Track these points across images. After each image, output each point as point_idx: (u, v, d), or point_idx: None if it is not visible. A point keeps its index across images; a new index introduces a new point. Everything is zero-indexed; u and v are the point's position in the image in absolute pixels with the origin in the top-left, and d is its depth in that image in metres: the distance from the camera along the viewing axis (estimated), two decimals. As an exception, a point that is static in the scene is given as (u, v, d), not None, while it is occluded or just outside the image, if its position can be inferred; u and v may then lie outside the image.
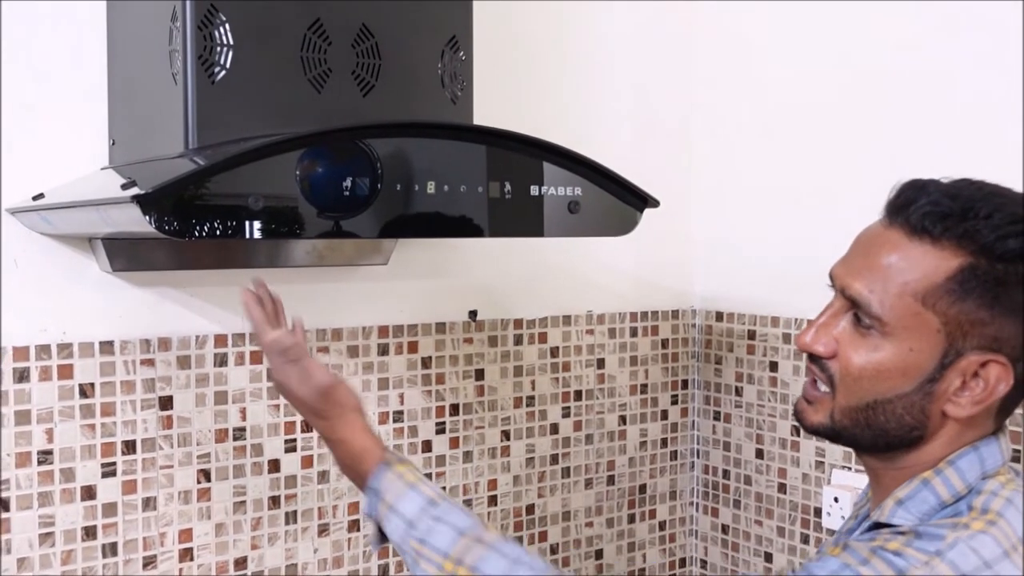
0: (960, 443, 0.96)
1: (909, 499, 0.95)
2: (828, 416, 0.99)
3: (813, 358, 1.00)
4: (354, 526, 1.53)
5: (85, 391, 1.31)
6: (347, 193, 1.05)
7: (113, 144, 1.29)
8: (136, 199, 0.94)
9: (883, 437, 0.97)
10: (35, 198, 1.23)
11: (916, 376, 0.94)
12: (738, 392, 1.83)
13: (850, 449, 1.13)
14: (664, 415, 1.88)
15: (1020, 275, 0.91)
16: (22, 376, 1.27)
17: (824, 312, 1.00)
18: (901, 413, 0.95)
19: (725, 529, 1.86)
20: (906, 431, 0.96)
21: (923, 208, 0.93)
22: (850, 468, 1.63)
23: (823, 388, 0.99)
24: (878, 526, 0.96)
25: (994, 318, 0.91)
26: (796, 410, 1.04)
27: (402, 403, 1.57)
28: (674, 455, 1.90)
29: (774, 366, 1.76)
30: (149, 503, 1.36)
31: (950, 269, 0.91)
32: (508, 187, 1.15)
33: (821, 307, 1.02)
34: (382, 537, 1.08)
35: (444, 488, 1.61)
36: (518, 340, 1.68)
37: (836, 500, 1.64)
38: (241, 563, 1.44)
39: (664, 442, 1.88)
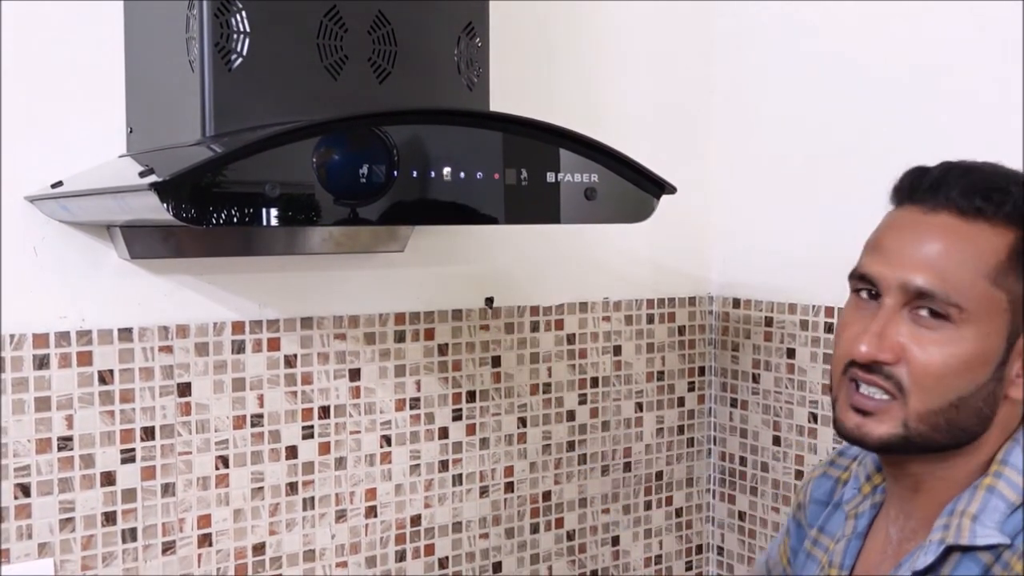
0: (1008, 432, 0.93)
1: (983, 512, 0.89)
2: (901, 425, 0.91)
3: (868, 367, 0.92)
4: (371, 512, 1.54)
5: (104, 378, 1.32)
6: (363, 180, 1.05)
7: (131, 132, 1.29)
8: (154, 186, 0.94)
9: (961, 435, 0.92)
10: (54, 186, 1.23)
11: (993, 362, 0.90)
12: (755, 379, 1.83)
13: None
14: (681, 402, 1.88)
15: None
16: (42, 363, 1.28)
17: (874, 316, 0.93)
18: (980, 406, 0.91)
19: (742, 516, 1.86)
20: (982, 424, 0.92)
21: (964, 188, 0.91)
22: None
23: (880, 396, 0.92)
24: (953, 549, 0.90)
25: None
26: (847, 426, 0.95)
27: (419, 390, 1.57)
28: (691, 442, 1.89)
29: (791, 353, 1.76)
30: (168, 489, 1.37)
31: (1008, 245, 0.90)
32: (524, 174, 1.15)
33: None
34: None
35: (460, 475, 1.62)
36: (535, 327, 1.68)
37: (854, 487, 1.64)
38: (259, 549, 1.45)
39: (681, 429, 1.88)
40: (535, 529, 1.71)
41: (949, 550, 0.90)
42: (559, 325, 1.72)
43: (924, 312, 0.90)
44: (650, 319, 1.83)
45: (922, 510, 0.97)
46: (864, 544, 1.03)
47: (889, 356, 0.91)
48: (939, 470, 0.95)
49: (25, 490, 1.28)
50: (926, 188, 0.93)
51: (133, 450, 1.34)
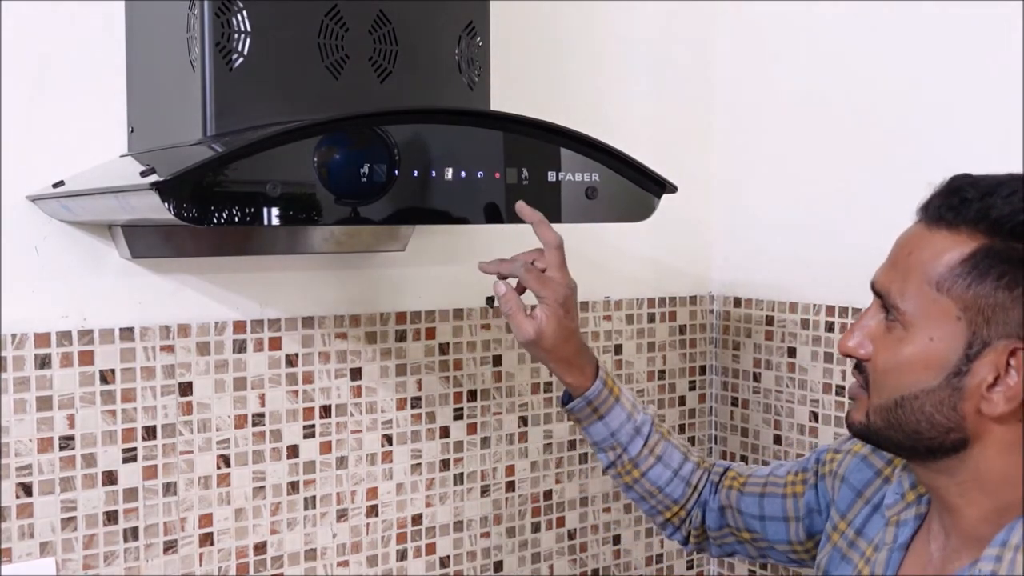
0: (1012, 452, 0.92)
1: None
2: (864, 415, 0.98)
3: (857, 362, 0.99)
4: (372, 511, 1.54)
5: (106, 377, 1.32)
6: (364, 180, 1.05)
7: (132, 131, 1.29)
8: (155, 186, 0.94)
9: (919, 440, 0.93)
10: (55, 185, 1.23)
11: (940, 368, 0.91)
12: (756, 378, 1.83)
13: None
14: (682, 401, 1.88)
15: None
16: (43, 362, 1.28)
17: (861, 315, 0.99)
18: (931, 411, 0.92)
19: (743, 515, 1.86)
20: (941, 432, 0.92)
21: (940, 199, 0.93)
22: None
23: (858, 387, 1.00)
24: None
25: (1016, 301, 0.88)
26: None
27: (420, 389, 1.57)
28: (692, 441, 1.89)
29: (792, 352, 1.76)
30: (169, 488, 1.37)
31: (964, 252, 0.90)
32: (525, 173, 1.15)
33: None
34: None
35: (461, 474, 1.62)
36: (535, 326, 1.68)
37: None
38: (260, 548, 1.45)
39: (682, 428, 1.88)
40: (536, 528, 1.71)
41: None
42: (560, 324, 1.71)
43: (887, 314, 0.96)
44: (651, 318, 1.83)
45: (960, 531, 0.97)
46: (905, 557, 1.03)
47: (862, 352, 0.98)
48: (951, 486, 0.95)
49: (27, 489, 1.28)
50: (923, 200, 0.96)
51: (135, 449, 1.35)
